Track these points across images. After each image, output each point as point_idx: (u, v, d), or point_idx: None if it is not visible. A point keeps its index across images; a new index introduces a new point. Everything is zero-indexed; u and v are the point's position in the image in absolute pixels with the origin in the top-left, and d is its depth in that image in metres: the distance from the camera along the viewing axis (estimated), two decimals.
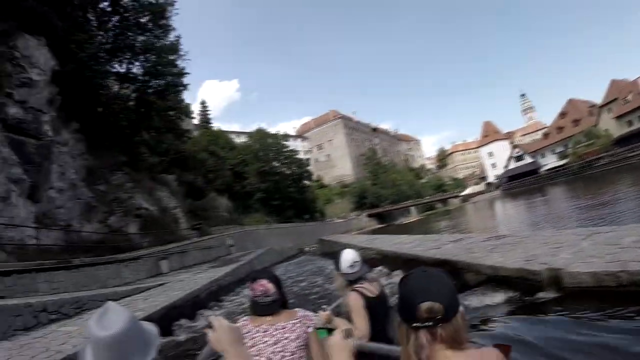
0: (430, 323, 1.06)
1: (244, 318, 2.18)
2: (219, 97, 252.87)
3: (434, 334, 1.06)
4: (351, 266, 2.62)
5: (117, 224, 18.26)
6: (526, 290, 4.81)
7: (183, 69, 25.81)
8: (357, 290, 2.54)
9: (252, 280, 2.15)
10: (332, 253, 22.22)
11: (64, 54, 18.75)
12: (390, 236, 16.31)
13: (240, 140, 68.61)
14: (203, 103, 70.54)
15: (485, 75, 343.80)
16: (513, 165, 71.59)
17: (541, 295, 4.55)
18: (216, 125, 70.95)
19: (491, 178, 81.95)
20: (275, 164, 55.68)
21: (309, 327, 2.11)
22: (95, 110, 21.11)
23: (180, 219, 23.79)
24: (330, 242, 22.92)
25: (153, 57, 24.61)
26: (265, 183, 50.48)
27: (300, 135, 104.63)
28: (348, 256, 2.64)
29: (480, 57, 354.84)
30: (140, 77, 25.27)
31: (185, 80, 26.63)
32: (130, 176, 20.73)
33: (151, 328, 1.16)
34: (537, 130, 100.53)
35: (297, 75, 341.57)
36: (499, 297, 5.05)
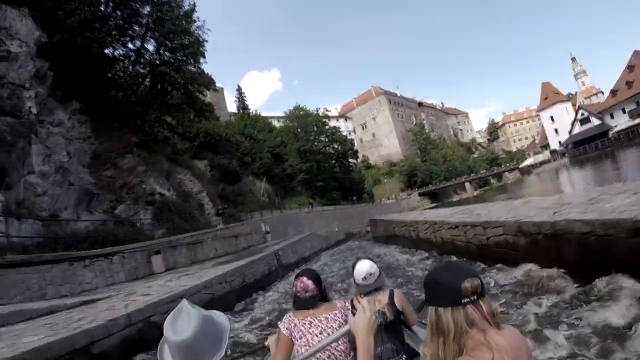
0: (475, 297, 1.19)
1: (290, 313, 2.33)
2: (262, 88, 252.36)
3: (479, 308, 1.18)
4: (364, 278, 2.59)
5: (126, 213, 15.62)
6: None
7: (199, 37, 22.75)
8: (352, 300, 2.60)
9: (295, 278, 2.37)
10: (389, 237, 16.85)
11: (54, 24, 16.29)
12: (496, 204, 11.08)
13: (279, 124, 65.99)
14: (239, 89, 68.57)
15: (529, 43, 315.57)
16: (578, 129, 62.99)
17: None
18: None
19: (554, 145, 73.12)
20: (317, 142, 52.09)
21: (347, 315, 2.30)
22: (100, 88, 18.55)
23: (206, 205, 20.95)
24: (386, 223, 17.93)
25: (165, 27, 21.71)
26: (307, 163, 47.07)
27: (342, 116, 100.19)
28: (363, 267, 2.60)
29: (522, 25, 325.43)
30: (152, 51, 22.60)
31: (205, 53, 23.66)
32: (142, 158, 18.02)
33: (222, 321, 1.27)
34: (593, 95, 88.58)
35: (336, 58, 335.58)
36: None
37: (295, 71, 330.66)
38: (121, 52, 22.24)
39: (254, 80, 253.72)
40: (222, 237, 16.74)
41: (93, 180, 15.47)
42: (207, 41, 23.17)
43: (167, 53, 22.84)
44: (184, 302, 1.20)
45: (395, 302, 2.54)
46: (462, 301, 1.17)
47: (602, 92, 78.86)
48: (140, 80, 21.46)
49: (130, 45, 22.62)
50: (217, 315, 1.27)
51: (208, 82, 23.29)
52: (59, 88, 16.65)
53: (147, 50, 22.87)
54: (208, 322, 1.16)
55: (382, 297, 2.53)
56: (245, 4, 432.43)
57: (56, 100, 16.30)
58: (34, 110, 14.06)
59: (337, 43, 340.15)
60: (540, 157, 75.86)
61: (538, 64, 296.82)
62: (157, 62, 22.20)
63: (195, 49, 22.26)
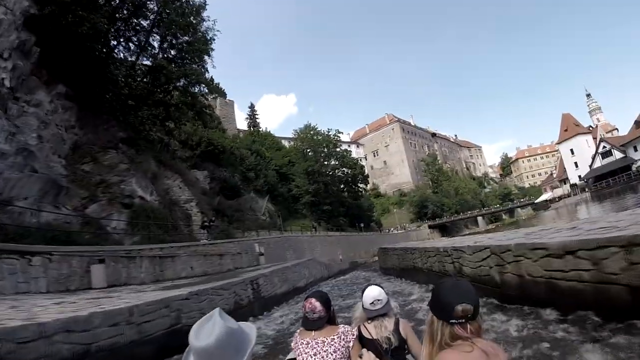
0: (463, 320, 1.36)
1: (297, 331, 2.44)
2: (277, 111, 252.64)
3: (465, 328, 1.36)
4: (372, 303, 2.59)
5: (97, 213, 13.52)
6: None
7: (206, 34, 21.26)
8: (359, 326, 2.59)
9: (305, 299, 2.43)
10: (405, 270, 13.25)
11: None
12: (608, 215, 7.44)
13: (290, 144, 64.39)
14: (252, 107, 67.62)
15: (543, 79, 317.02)
16: (599, 163, 60.18)
17: None
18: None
19: (574, 179, 70.01)
20: (326, 163, 49.94)
21: (348, 341, 2.33)
22: (93, 76, 16.90)
23: (194, 217, 18.68)
24: (402, 252, 14.13)
25: (170, 19, 20.23)
26: (314, 185, 44.79)
27: (354, 142, 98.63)
28: (371, 293, 2.62)
29: (536, 63, 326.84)
30: (156, 47, 21.15)
31: (211, 52, 22.15)
32: (127, 156, 16.07)
33: (249, 334, 1.30)
34: (608, 132, 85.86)
35: (353, 87, 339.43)
36: None
37: (311, 97, 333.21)
38: (124, 45, 20.88)
39: (270, 103, 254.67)
40: (203, 254, 14.25)
41: (65, 172, 13.50)
42: (214, 40, 21.68)
43: (171, 51, 21.39)
44: (216, 311, 1.23)
45: (400, 329, 2.53)
46: (451, 321, 1.37)
47: (617, 130, 76.35)
48: (137, 72, 19.84)
49: (134, 39, 21.24)
50: (246, 327, 1.30)
51: (210, 83, 21.53)
52: (45, 67, 15.08)
53: (151, 45, 21.49)
54: (231, 333, 1.17)
55: (388, 324, 2.53)
56: (268, 28, 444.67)
57: (40, 80, 14.67)
58: (7, 83, 12.48)
59: (354, 72, 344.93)
60: (559, 192, 72.46)
61: (552, 100, 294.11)
62: (161, 58, 20.75)
63: (201, 46, 20.70)
